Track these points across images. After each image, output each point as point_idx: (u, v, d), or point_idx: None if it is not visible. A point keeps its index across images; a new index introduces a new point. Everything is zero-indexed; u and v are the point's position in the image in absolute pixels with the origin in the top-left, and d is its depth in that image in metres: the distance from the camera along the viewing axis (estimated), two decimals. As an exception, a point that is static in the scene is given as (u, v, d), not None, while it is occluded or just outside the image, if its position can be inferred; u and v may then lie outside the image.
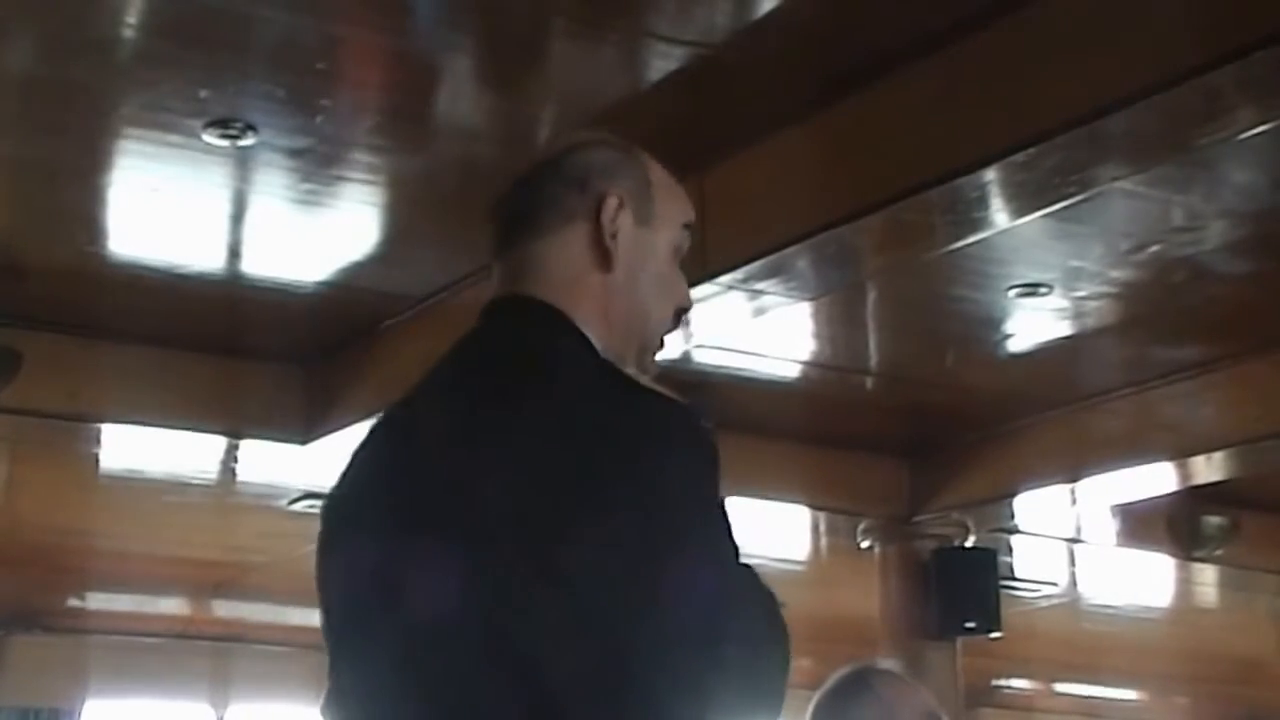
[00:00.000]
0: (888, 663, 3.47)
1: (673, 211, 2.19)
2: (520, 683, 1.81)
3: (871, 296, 6.97)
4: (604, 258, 2.08)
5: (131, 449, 7.97)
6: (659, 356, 2.16)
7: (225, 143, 5.49)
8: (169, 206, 6.07)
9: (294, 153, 5.65)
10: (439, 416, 2.02)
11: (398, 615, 1.89)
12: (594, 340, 2.04)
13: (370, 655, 1.93)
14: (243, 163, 5.69)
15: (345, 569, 2.02)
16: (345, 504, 2.09)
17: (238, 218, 6.18)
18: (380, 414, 2.15)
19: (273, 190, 5.94)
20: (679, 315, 2.17)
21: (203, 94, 5.24)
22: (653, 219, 2.14)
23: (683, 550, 1.86)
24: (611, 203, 2.09)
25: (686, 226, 2.21)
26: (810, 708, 3.21)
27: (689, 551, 1.87)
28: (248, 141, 5.48)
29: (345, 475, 2.12)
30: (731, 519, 1.95)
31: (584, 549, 1.82)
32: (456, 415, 1.98)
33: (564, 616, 1.81)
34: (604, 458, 1.87)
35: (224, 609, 11.06)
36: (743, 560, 1.98)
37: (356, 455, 2.12)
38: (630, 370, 2.06)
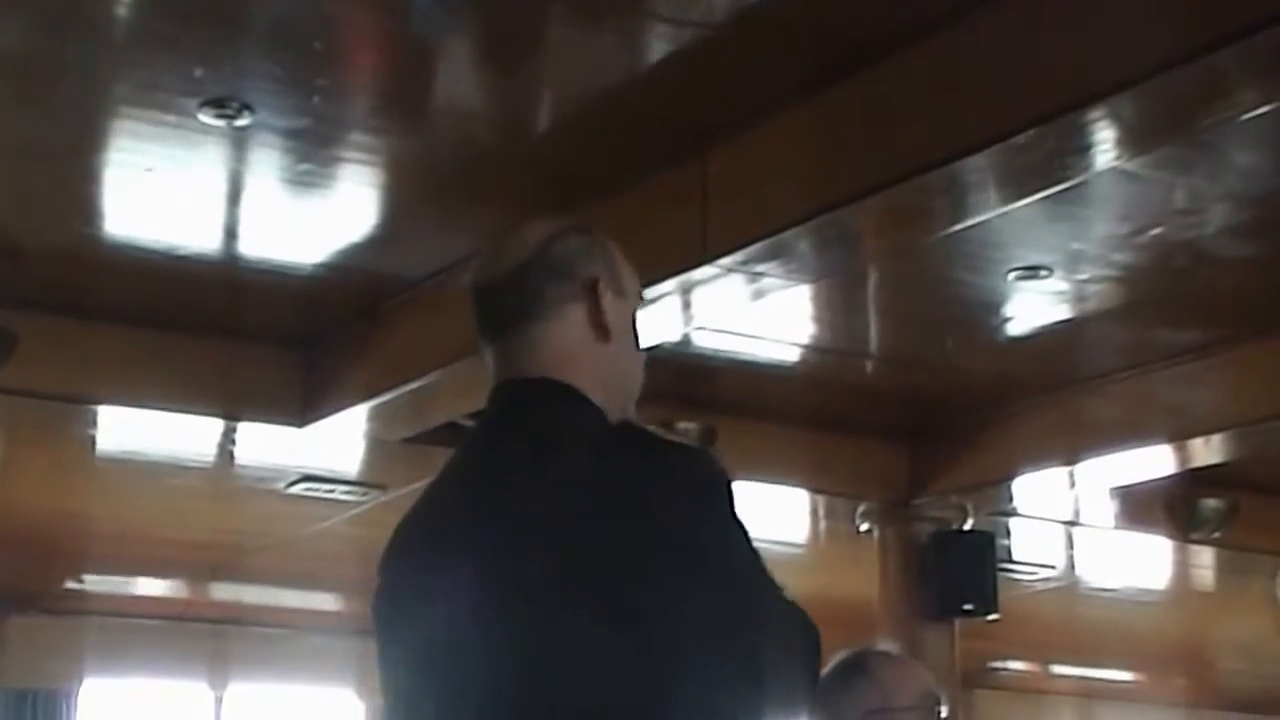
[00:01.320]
0: (886, 644, 3.49)
1: (633, 283, 2.42)
2: None
3: (871, 279, 6.95)
4: (603, 332, 2.32)
5: (128, 431, 7.96)
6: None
7: (221, 123, 5.46)
8: (165, 187, 6.04)
9: (291, 133, 5.62)
10: (480, 496, 2.23)
11: (466, 682, 2.10)
12: (597, 404, 2.28)
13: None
14: (239, 143, 5.67)
15: (408, 654, 2.20)
16: (395, 597, 2.26)
17: (234, 199, 6.15)
18: (401, 526, 2.32)
19: (269, 171, 5.92)
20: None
21: (198, 73, 5.21)
22: (624, 291, 2.39)
23: (731, 589, 2.14)
24: (601, 283, 2.33)
25: (639, 295, 2.46)
26: None
27: (737, 591, 2.15)
28: (244, 121, 5.46)
29: (389, 570, 2.30)
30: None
31: (638, 605, 2.06)
32: (499, 493, 2.20)
33: (620, 660, 2.05)
34: (641, 516, 2.11)
35: (222, 591, 11.06)
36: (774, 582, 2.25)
37: (395, 555, 2.30)
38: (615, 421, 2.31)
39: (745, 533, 2.20)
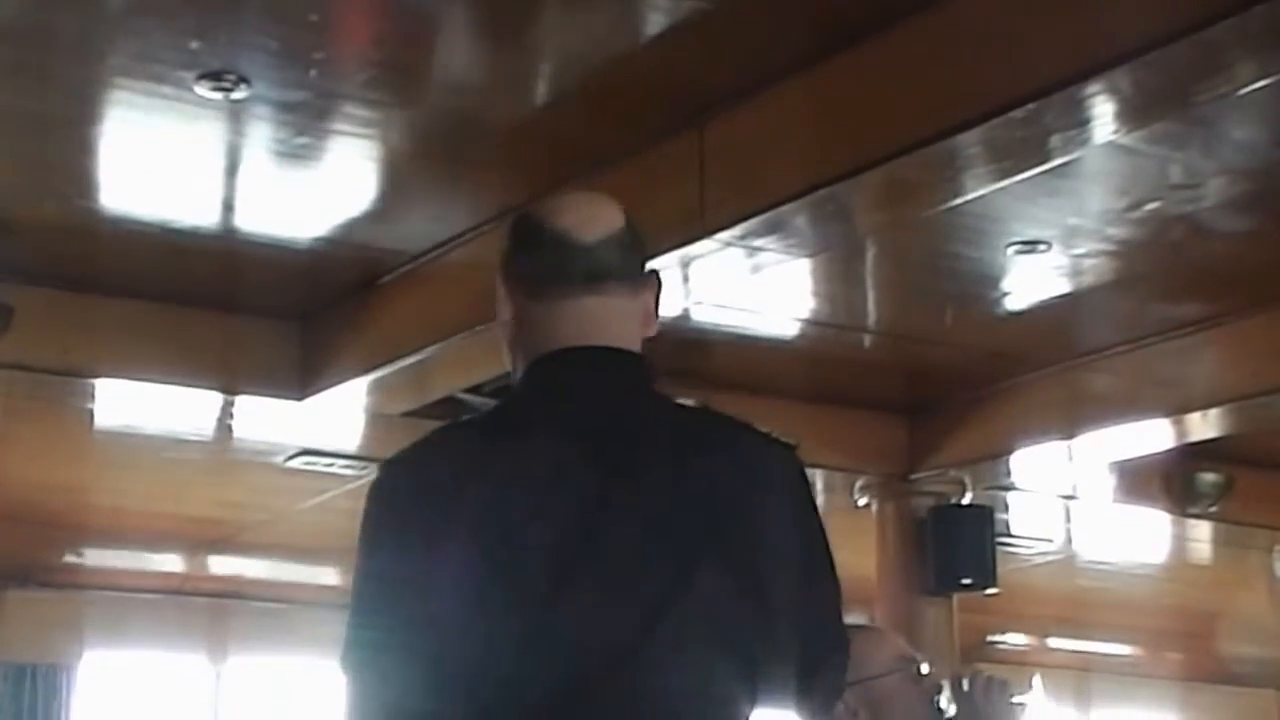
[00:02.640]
0: (854, 617, 3.46)
1: None
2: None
3: (870, 254, 6.95)
4: (650, 326, 2.36)
5: (126, 405, 7.95)
6: None
7: (218, 95, 5.45)
8: (161, 160, 6.04)
9: (288, 106, 5.61)
10: (606, 447, 2.23)
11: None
12: None
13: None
14: (236, 116, 5.65)
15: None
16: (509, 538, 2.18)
17: (231, 172, 6.14)
18: (468, 440, 2.31)
19: (266, 144, 5.91)
20: None
21: (194, 46, 5.20)
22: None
23: (820, 567, 2.31)
24: (660, 283, 2.38)
25: None
26: None
27: (823, 568, 2.32)
28: (241, 94, 5.45)
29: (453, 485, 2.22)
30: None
31: (762, 576, 2.21)
32: (599, 461, 2.20)
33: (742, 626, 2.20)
34: (768, 493, 2.31)
35: (220, 565, 11.07)
36: None
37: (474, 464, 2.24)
38: None
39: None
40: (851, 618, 3.40)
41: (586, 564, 2.14)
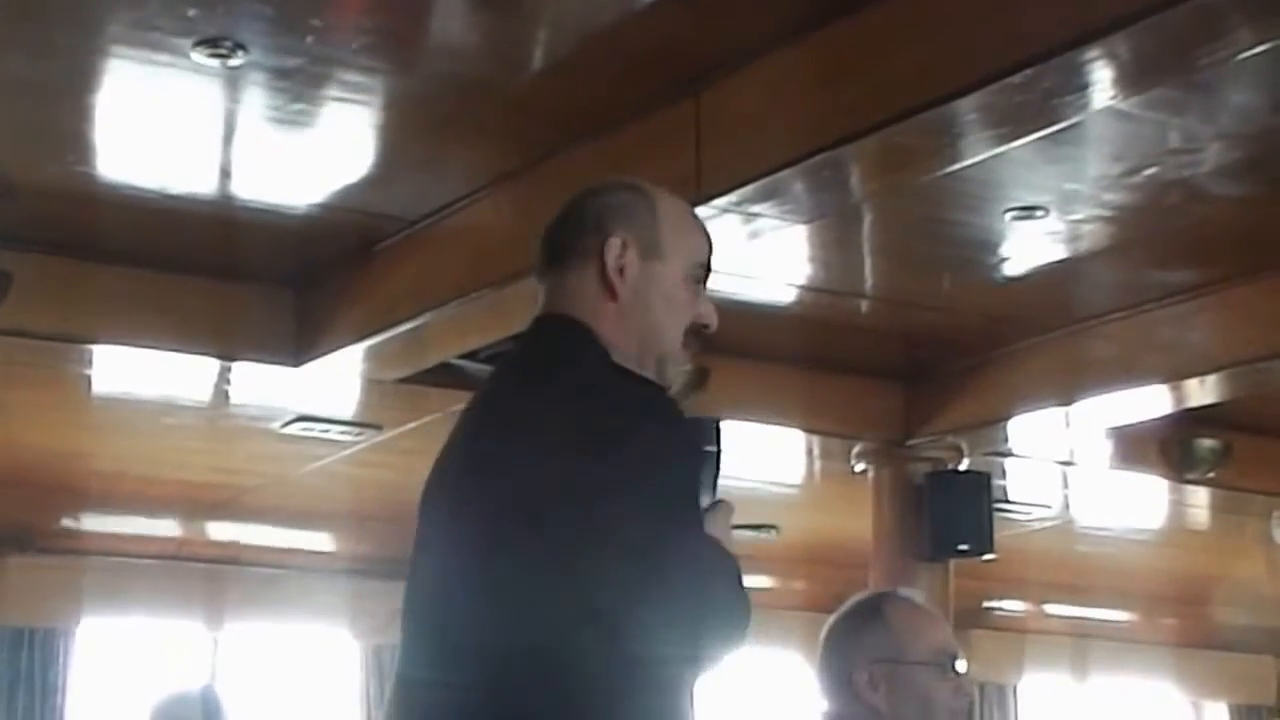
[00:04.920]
0: (908, 591, 3.38)
1: (684, 247, 2.60)
2: (516, 631, 2.30)
3: (867, 220, 6.94)
4: (609, 290, 2.52)
5: (123, 371, 7.96)
6: (681, 366, 2.60)
7: (214, 62, 5.44)
8: (158, 126, 6.03)
9: (284, 73, 5.60)
10: (483, 413, 2.52)
11: (440, 578, 2.42)
12: (615, 353, 2.48)
13: (418, 600, 2.46)
14: (232, 83, 5.64)
15: (424, 538, 2.50)
16: (428, 484, 2.53)
17: (228, 138, 6.13)
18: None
19: (263, 111, 5.89)
20: (697, 331, 2.60)
21: (191, 12, 5.19)
22: (661, 253, 2.56)
23: (657, 516, 2.31)
24: (614, 243, 2.53)
25: (701, 265, 2.61)
26: (824, 631, 3.16)
27: (662, 517, 2.32)
28: (237, 61, 5.43)
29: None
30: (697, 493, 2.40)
31: (573, 515, 2.30)
32: (494, 411, 2.50)
33: (554, 574, 2.30)
34: (595, 435, 2.34)
35: (218, 531, 11.08)
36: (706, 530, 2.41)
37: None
38: (653, 378, 2.51)
39: (690, 489, 2.38)
40: (904, 591, 3.35)
41: (439, 527, 2.46)
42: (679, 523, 2.33)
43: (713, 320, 2.61)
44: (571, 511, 2.30)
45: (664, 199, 2.65)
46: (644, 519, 2.28)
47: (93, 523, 10.80)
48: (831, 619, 3.16)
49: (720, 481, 2.50)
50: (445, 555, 2.41)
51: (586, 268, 2.54)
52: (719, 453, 2.51)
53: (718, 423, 2.53)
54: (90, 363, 7.82)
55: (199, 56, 5.40)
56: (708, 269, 2.64)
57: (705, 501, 2.45)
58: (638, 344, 2.52)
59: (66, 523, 10.70)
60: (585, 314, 2.52)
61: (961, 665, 3.10)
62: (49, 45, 5.47)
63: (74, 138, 6.17)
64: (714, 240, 2.69)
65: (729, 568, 2.42)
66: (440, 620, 2.39)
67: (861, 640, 3.08)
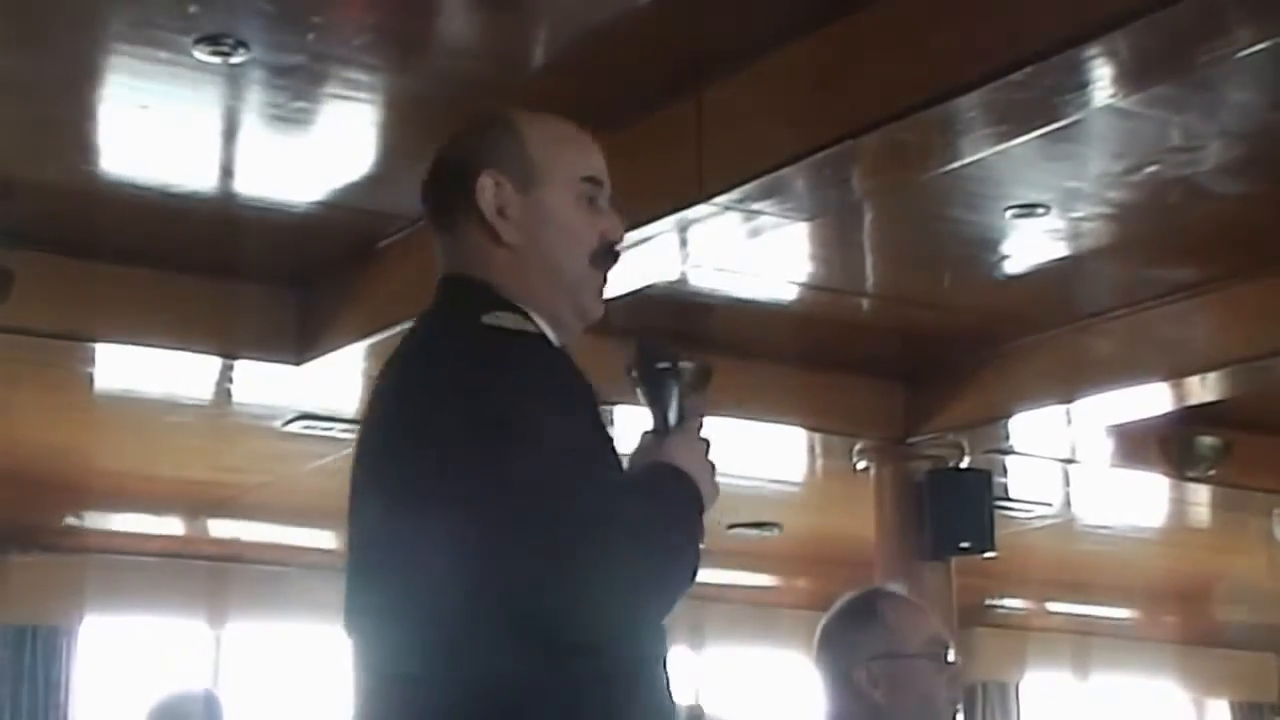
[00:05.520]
0: (895, 586, 3.41)
1: (563, 166, 2.38)
2: (389, 587, 2.16)
3: (868, 217, 6.94)
4: (494, 235, 2.33)
5: (126, 369, 7.96)
6: (598, 292, 2.39)
7: (216, 60, 5.44)
8: (160, 124, 6.03)
9: (286, 70, 5.60)
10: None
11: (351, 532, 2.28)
12: (520, 303, 2.29)
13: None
14: (234, 80, 5.65)
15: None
16: None
17: (229, 136, 6.14)
18: None
19: (264, 108, 5.90)
20: (607, 253, 2.38)
21: (193, 10, 5.19)
22: (539, 182, 2.35)
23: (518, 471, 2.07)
24: (485, 185, 2.33)
25: (588, 179, 2.39)
26: (818, 631, 3.18)
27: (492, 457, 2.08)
28: (239, 59, 5.44)
29: None
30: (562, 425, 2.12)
31: (412, 469, 2.14)
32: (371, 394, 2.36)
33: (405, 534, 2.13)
34: (428, 403, 2.17)
35: (220, 529, 11.09)
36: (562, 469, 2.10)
37: None
38: (569, 316, 2.34)
39: (563, 430, 2.11)
40: (890, 586, 3.38)
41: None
42: (541, 475, 2.05)
43: (619, 234, 2.40)
44: (414, 486, 2.12)
45: (529, 121, 2.43)
46: (496, 481, 2.04)
47: (95, 521, 10.80)
48: (825, 619, 3.18)
49: (685, 404, 2.33)
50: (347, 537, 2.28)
51: (468, 220, 2.35)
52: (673, 369, 2.33)
53: (662, 341, 2.37)
54: (92, 361, 7.83)
55: (200, 54, 5.40)
56: (599, 180, 2.41)
57: (670, 420, 2.29)
58: (542, 283, 2.32)
59: (69, 521, 10.71)
60: (477, 268, 2.33)
61: (953, 655, 3.13)
62: (50, 43, 5.48)
63: (75, 135, 6.17)
64: (596, 146, 2.47)
65: (641, 512, 2.13)
66: (347, 604, 2.28)
67: (858, 638, 3.10)
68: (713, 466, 2.28)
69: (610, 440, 2.23)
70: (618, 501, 2.10)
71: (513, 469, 2.05)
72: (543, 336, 2.26)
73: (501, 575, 2.03)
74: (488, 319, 2.21)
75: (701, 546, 2.22)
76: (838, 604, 3.19)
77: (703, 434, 2.31)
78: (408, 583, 2.11)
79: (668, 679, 2.22)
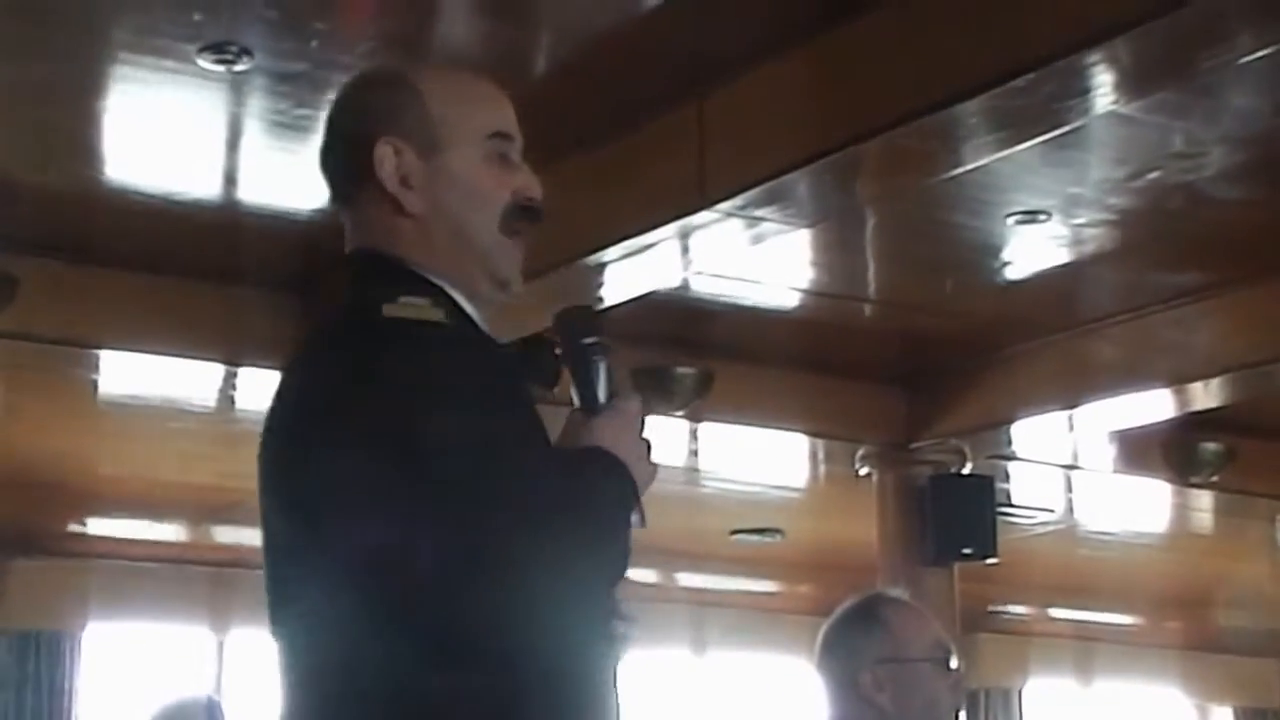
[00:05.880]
0: (897, 591, 3.42)
1: (468, 125, 2.19)
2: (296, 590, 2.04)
3: (870, 223, 6.95)
4: (397, 206, 2.16)
5: (130, 375, 7.97)
6: (514, 257, 2.21)
7: (220, 67, 5.46)
8: (164, 132, 6.05)
9: (289, 78, 5.62)
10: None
11: None
12: (432, 275, 2.14)
13: None
14: (238, 88, 5.66)
15: None
16: None
17: (233, 144, 6.15)
18: None
19: (268, 116, 5.91)
20: (524, 208, 2.20)
21: (197, 18, 5.21)
22: (443, 145, 2.17)
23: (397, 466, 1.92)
24: (384, 152, 2.15)
25: (498, 135, 2.21)
26: (820, 636, 3.19)
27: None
28: (243, 66, 5.45)
29: None
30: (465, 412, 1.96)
31: (308, 469, 2.00)
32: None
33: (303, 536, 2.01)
34: (321, 390, 2.03)
35: (224, 535, 11.08)
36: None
37: None
38: (484, 286, 2.17)
39: (459, 416, 1.95)
40: (892, 591, 3.38)
41: None
42: (444, 479, 1.91)
43: (535, 190, 2.21)
44: (316, 500, 1.99)
45: (429, 77, 2.24)
46: (397, 489, 1.90)
47: (99, 526, 10.81)
48: (827, 625, 3.18)
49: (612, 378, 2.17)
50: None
51: (369, 191, 2.18)
52: (600, 343, 2.16)
53: (590, 310, 2.22)
54: (96, 367, 7.84)
55: (204, 62, 5.42)
56: (509, 135, 2.23)
57: (600, 399, 2.14)
58: (451, 253, 2.16)
59: (73, 526, 10.72)
60: (383, 241, 2.17)
61: (955, 661, 3.14)
62: (56, 51, 5.49)
63: (80, 143, 6.19)
64: (504, 97, 2.28)
65: (556, 506, 1.97)
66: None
67: (862, 643, 3.11)
68: (648, 445, 2.13)
69: (532, 423, 2.08)
70: (530, 496, 1.93)
71: (414, 475, 1.90)
72: (448, 322, 2.07)
73: (409, 586, 1.89)
74: (389, 309, 2.04)
75: (637, 529, 2.09)
76: (840, 609, 3.20)
77: (636, 411, 2.15)
78: (317, 597, 1.99)
79: (613, 696, 2.09)
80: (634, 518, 2.10)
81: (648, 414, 2.16)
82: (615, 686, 2.10)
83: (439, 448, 1.91)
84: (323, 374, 2.06)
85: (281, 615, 2.07)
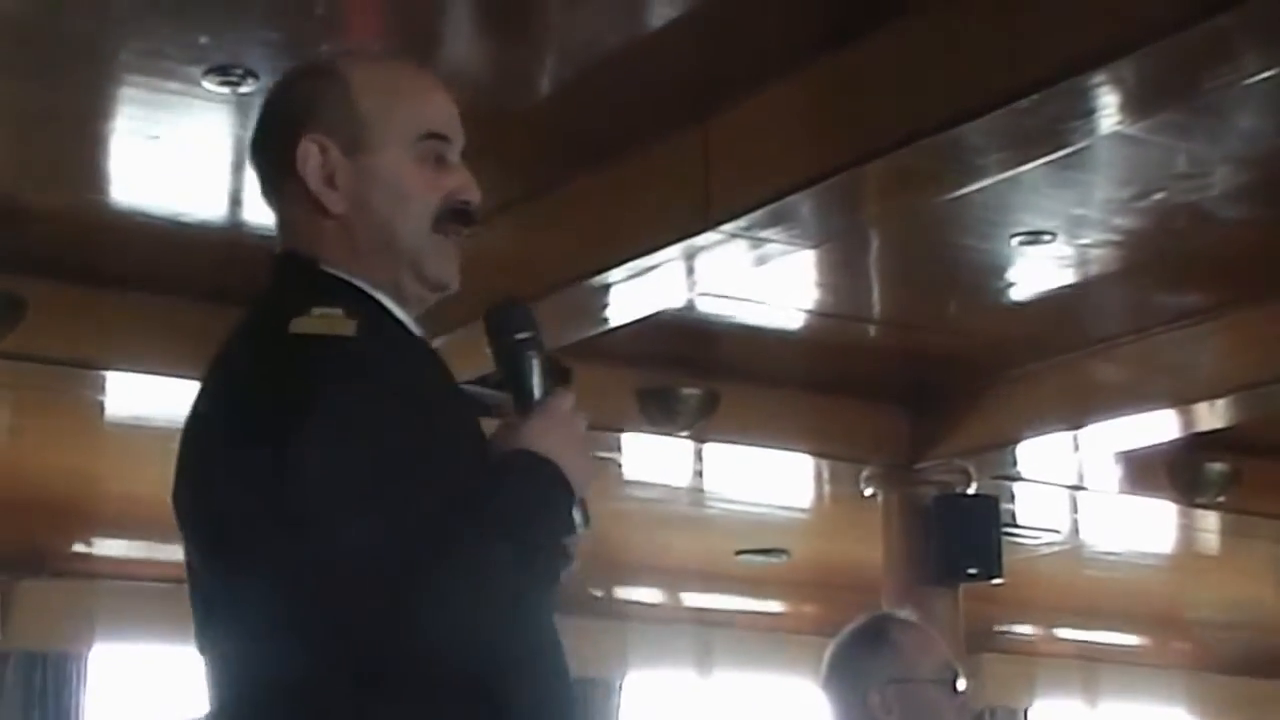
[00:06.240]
0: (905, 612, 3.42)
1: (397, 123, 2.08)
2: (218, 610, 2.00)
3: (874, 244, 6.96)
4: (319, 205, 2.05)
5: (136, 396, 7.98)
6: (452, 259, 2.13)
7: (225, 90, 5.48)
8: (170, 154, 6.06)
9: (295, 100, 5.62)
10: None
11: None
12: (355, 278, 2.04)
13: None
14: (243, 110, 5.67)
15: None
16: None
17: (238, 166, 6.16)
18: None
19: (274, 137, 5.92)
20: (457, 210, 2.10)
21: (202, 40, 5.23)
22: (370, 144, 2.06)
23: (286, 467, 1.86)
24: (307, 149, 2.05)
25: (430, 136, 2.10)
26: (827, 655, 3.19)
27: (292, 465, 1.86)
28: (248, 88, 5.47)
29: None
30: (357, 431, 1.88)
31: (212, 485, 2.01)
32: None
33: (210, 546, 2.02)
34: (227, 406, 2.01)
35: (229, 555, 11.08)
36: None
37: None
38: (412, 287, 2.09)
39: (347, 439, 1.87)
40: (901, 612, 3.38)
41: None
42: (347, 504, 1.83)
43: (469, 193, 2.11)
44: (221, 528, 1.98)
45: (359, 70, 2.12)
46: (299, 519, 1.83)
47: (106, 547, 10.81)
48: (834, 644, 3.19)
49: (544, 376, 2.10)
50: None
51: (293, 188, 2.06)
52: (533, 339, 2.10)
53: (520, 304, 2.14)
54: (103, 388, 7.86)
55: (210, 84, 5.43)
56: (443, 135, 2.12)
57: (535, 398, 2.06)
58: (375, 256, 2.06)
59: (79, 547, 10.72)
60: (304, 242, 2.06)
61: (963, 683, 3.14)
62: (62, 74, 5.51)
63: (86, 165, 6.21)
64: (441, 94, 2.16)
65: (473, 521, 1.88)
66: None
67: (871, 663, 3.11)
68: (584, 443, 2.04)
69: (458, 428, 2.02)
70: (448, 516, 1.85)
71: (305, 508, 1.83)
72: (357, 336, 1.95)
73: (317, 616, 1.82)
74: (297, 324, 1.93)
75: (579, 532, 2.02)
76: (848, 629, 3.20)
77: (567, 407, 2.05)
78: (233, 618, 1.95)
79: (558, 699, 2.00)
80: (577, 516, 2.02)
81: (581, 408, 2.06)
82: (561, 689, 2.02)
83: (329, 478, 1.83)
84: (224, 398, 2.02)
85: (206, 632, 2.02)
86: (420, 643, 1.81)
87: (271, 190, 2.12)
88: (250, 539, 1.89)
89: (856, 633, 3.19)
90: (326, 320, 1.94)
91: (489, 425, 2.09)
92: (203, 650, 2.03)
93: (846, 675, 3.13)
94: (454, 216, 2.09)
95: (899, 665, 3.10)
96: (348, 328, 1.94)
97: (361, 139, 2.06)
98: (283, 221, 2.11)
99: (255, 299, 2.13)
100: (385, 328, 2.04)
